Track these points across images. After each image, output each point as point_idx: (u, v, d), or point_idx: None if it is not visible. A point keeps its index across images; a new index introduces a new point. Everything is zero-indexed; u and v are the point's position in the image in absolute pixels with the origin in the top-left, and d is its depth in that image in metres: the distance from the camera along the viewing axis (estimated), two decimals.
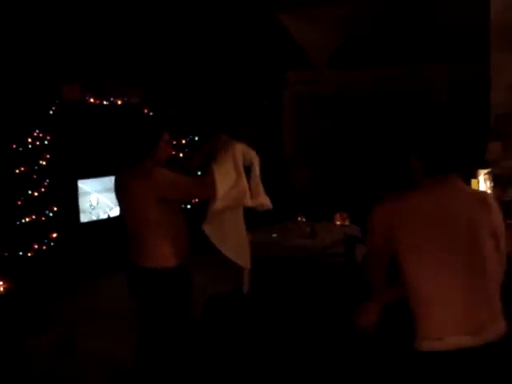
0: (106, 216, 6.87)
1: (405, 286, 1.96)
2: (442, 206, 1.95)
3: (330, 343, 2.55)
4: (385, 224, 2.01)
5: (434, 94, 8.24)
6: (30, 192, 5.91)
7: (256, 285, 5.51)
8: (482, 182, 4.72)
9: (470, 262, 1.89)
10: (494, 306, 1.91)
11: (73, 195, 6.51)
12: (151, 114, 6.56)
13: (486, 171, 4.75)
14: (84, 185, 6.64)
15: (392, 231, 1.97)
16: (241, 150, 2.93)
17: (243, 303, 4.40)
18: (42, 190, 6.01)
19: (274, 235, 5.88)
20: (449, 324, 1.85)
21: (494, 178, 4.74)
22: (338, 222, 6.31)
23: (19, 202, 5.83)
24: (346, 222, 6.20)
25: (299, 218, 6.31)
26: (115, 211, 6.79)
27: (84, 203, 6.66)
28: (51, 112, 6.19)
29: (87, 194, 6.68)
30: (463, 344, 1.82)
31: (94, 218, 6.79)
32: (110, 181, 5.98)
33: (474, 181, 4.98)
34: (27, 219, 5.86)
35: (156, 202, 2.86)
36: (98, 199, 6.79)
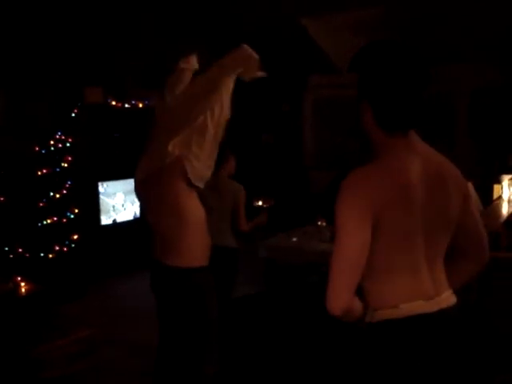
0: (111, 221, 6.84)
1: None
2: (411, 175, 1.71)
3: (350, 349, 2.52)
4: (365, 205, 1.68)
5: (457, 96, 8.16)
6: (51, 194, 5.96)
7: (278, 290, 5.51)
8: (506, 188, 4.66)
9: (429, 233, 1.75)
10: (442, 277, 1.81)
11: (94, 197, 6.56)
12: None
13: (509, 176, 4.69)
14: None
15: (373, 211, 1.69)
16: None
17: (264, 308, 4.38)
18: (64, 192, 6.06)
19: (294, 239, 5.85)
20: (403, 292, 1.73)
21: None
22: None
23: (41, 204, 5.89)
24: None
25: (319, 223, 6.27)
26: (121, 216, 6.86)
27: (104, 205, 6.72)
28: (73, 115, 6.25)
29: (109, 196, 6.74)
30: (417, 310, 1.72)
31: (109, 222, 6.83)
32: (129, 184, 6.08)
33: (496, 186, 4.92)
34: (49, 221, 5.92)
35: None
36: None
